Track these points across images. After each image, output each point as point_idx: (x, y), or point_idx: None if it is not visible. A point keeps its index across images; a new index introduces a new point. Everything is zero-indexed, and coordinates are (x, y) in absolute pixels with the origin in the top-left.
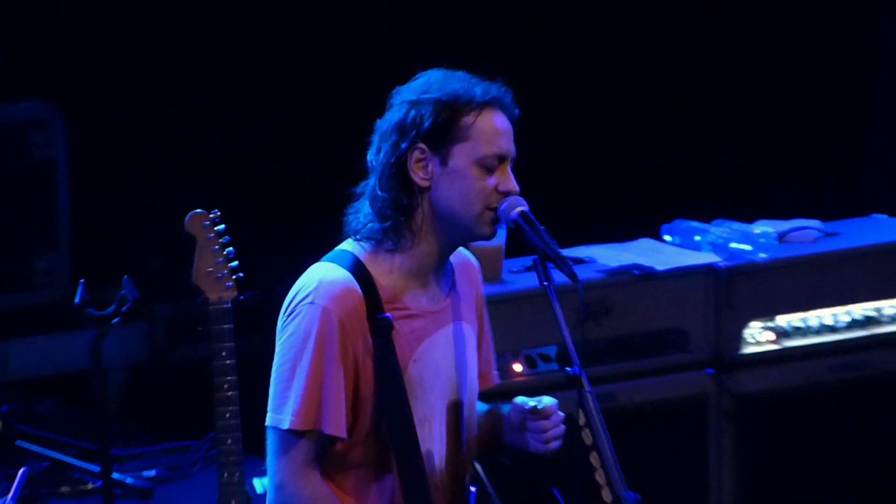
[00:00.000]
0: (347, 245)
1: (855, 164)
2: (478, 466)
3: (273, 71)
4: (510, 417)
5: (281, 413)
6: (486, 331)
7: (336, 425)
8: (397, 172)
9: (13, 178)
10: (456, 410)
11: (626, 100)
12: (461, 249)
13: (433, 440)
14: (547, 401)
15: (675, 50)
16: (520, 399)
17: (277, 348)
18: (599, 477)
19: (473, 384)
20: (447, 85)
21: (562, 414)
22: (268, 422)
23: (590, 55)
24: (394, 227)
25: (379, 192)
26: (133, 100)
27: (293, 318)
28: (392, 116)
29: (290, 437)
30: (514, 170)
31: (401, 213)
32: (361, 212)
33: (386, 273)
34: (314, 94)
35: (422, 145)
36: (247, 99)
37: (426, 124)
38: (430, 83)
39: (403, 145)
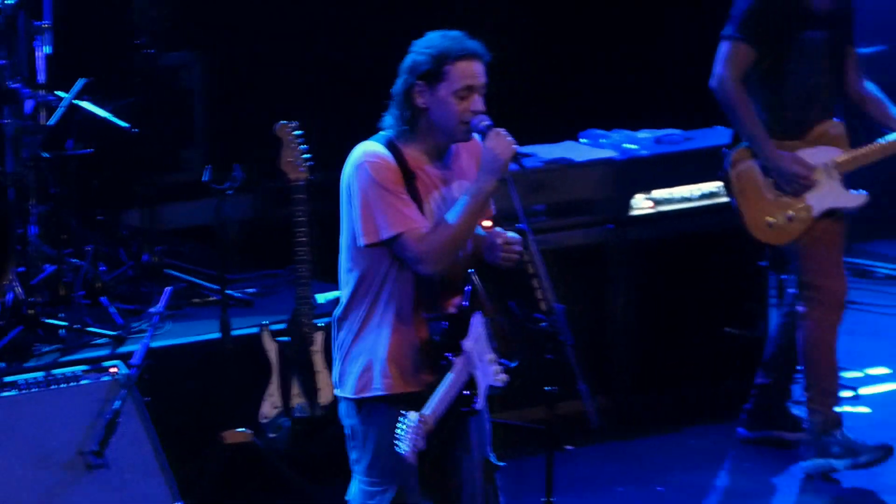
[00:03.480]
0: (384, 133)
1: (707, 93)
2: (472, 272)
3: (338, 30)
4: (489, 239)
5: (375, 232)
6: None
7: (415, 220)
8: (405, 98)
9: (167, 100)
10: None
11: (558, 48)
12: (475, 137)
13: None
14: (511, 235)
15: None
16: (498, 229)
17: (354, 202)
18: (539, 294)
19: None
20: (437, 44)
21: (518, 238)
22: (365, 243)
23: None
24: (408, 128)
25: (396, 110)
26: (243, 52)
27: (354, 179)
28: (406, 61)
29: (399, 239)
30: (488, 97)
31: (411, 122)
32: (392, 115)
33: (409, 149)
34: (363, 49)
35: (420, 82)
36: (321, 47)
37: (422, 69)
38: (428, 41)
39: (410, 81)
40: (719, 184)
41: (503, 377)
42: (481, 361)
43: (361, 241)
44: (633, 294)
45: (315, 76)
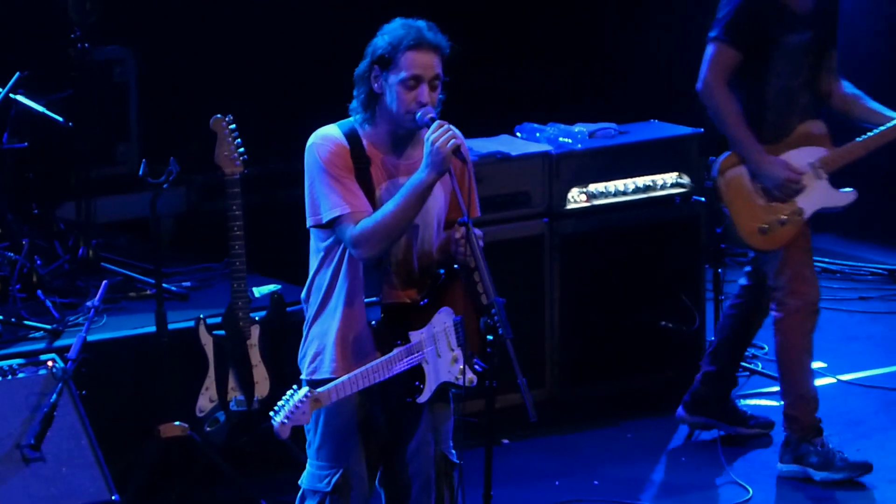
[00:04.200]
0: (351, 118)
1: (641, 87)
2: (457, 268)
3: (273, 23)
4: (452, 234)
5: (318, 214)
6: (466, 181)
7: (356, 204)
8: (364, 82)
9: (102, 95)
10: (414, 225)
11: (494, 42)
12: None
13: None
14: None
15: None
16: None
17: (305, 184)
18: (480, 288)
19: (430, 211)
20: (395, 32)
21: (479, 233)
22: (310, 224)
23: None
24: (368, 113)
25: (355, 92)
26: (177, 46)
27: (306, 162)
28: (370, 44)
29: (338, 221)
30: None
31: (369, 105)
32: (355, 98)
33: (370, 134)
34: (298, 43)
35: (376, 67)
36: (255, 40)
37: (377, 54)
38: (388, 29)
39: (367, 66)
40: (654, 177)
41: (470, 377)
42: (440, 357)
43: (308, 223)
44: (567, 287)
45: (250, 70)
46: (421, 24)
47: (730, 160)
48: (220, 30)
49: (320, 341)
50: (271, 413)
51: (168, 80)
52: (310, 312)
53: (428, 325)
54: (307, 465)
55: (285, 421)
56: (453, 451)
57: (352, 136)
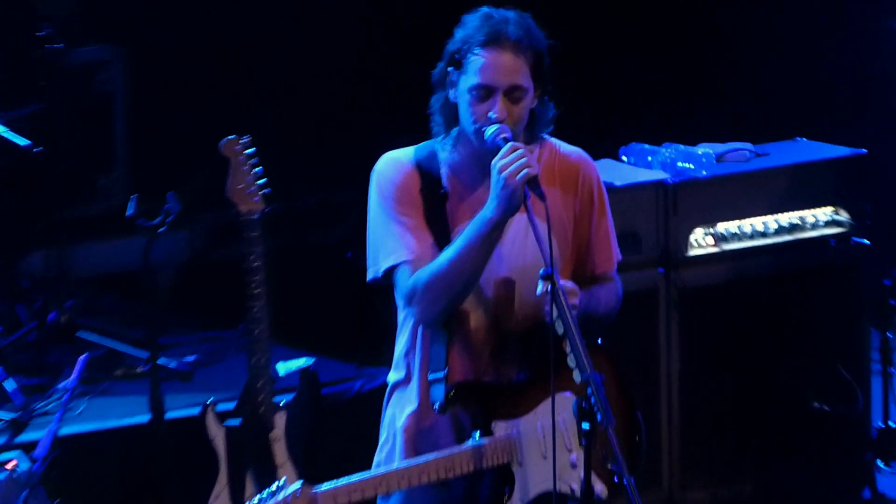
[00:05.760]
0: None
1: (782, 94)
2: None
3: (305, 15)
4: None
5: (376, 264)
6: (594, 223)
7: (416, 250)
8: (440, 88)
9: (80, 108)
10: (502, 280)
11: (594, 45)
12: (574, 152)
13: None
14: (567, 283)
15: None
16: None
17: None
18: (570, 361)
19: (524, 262)
20: (471, 23)
21: (574, 287)
22: (369, 278)
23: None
24: (447, 131)
25: (432, 101)
26: (177, 46)
27: (369, 192)
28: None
29: (395, 273)
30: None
31: (447, 120)
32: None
33: (451, 159)
34: (333, 45)
35: (450, 69)
36: (277, 41)
37: (449, 52)
38: (467, 19)
39: (442, 67)
40: (802, 213)
41: (601, 489)
42: (545, 458)
43: (367, 276)
44: (689, 355)
45: (271, 78)
46: (508, 14)
47: None
48: (232, 27)
49: (391, 426)
50: None
51: (166, 91)
52: (387, 390)
53: (529, 413)
54: None
55: None
56: None
57: (426, 162)
